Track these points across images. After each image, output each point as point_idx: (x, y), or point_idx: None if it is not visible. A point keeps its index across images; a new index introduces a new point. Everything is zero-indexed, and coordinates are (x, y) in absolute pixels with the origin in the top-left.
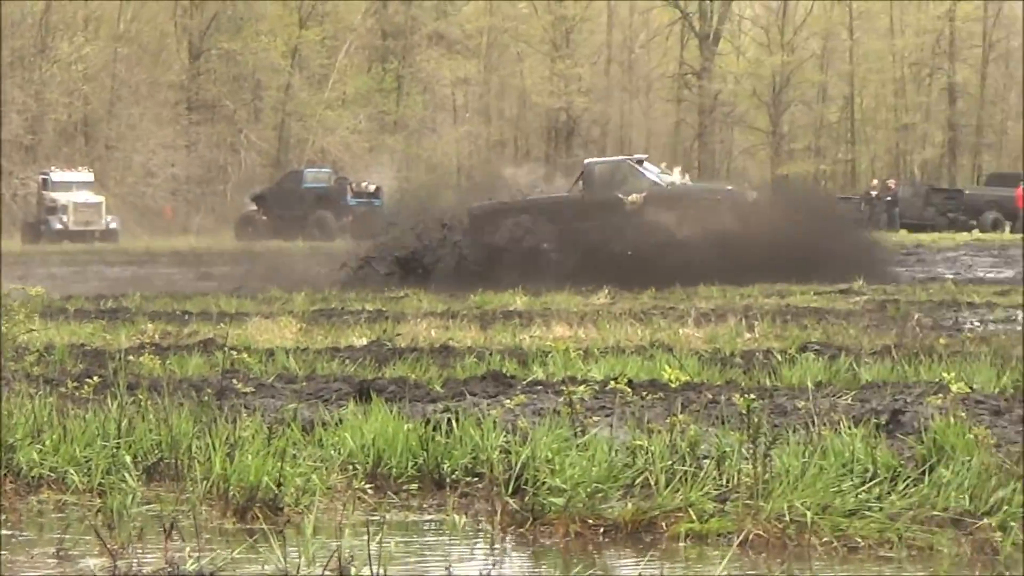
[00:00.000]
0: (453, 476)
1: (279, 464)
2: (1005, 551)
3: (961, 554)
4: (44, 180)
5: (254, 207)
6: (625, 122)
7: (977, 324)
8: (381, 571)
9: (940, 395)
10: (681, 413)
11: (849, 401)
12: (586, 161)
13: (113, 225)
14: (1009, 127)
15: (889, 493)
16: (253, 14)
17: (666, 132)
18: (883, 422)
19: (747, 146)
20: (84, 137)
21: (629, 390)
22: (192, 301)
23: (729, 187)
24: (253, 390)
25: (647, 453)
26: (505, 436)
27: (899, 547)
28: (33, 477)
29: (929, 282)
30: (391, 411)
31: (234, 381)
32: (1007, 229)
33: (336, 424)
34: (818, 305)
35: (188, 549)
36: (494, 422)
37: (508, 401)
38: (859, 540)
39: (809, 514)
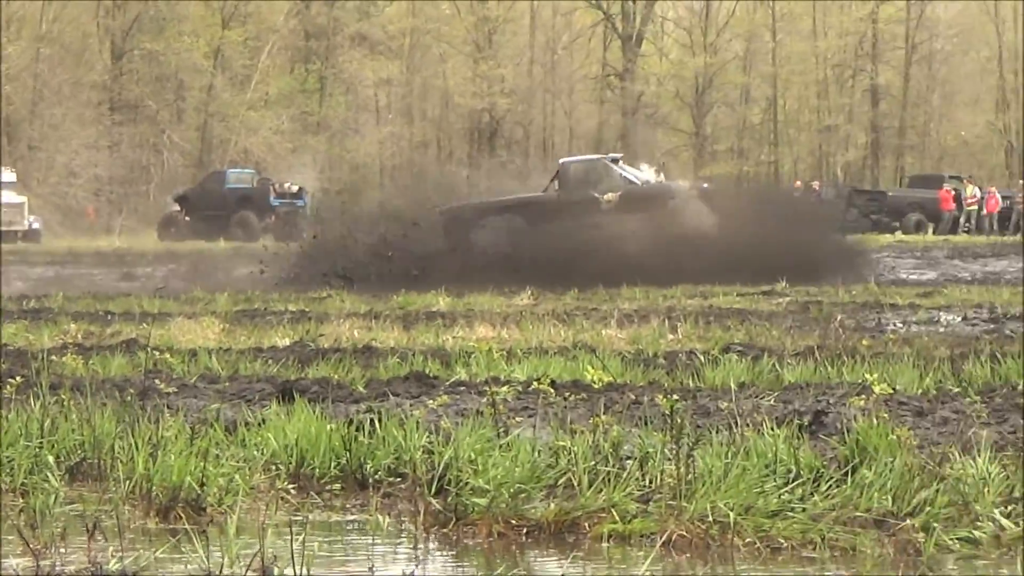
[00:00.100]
0: (376, 476)
1: (202, 464)
2: (928, 552)
3: (884, 555)
4: None
5: (177, 208)
6: (548, 123)
7: (900, 326)
8: (304, 571)
9: (863, 396)
10: (604, 414)
11: (772, 402)
12: (561, 161)
13: (36, 226)
14: (932, 129)
15: (812, 494)
16: (176, 15)
17: (589, 133)
18: (806, 423)
19: (670, 147)
20: (6, 137)
21: (552, 391)
22: (115, 301)
23: (705, 184)
24: (176, 390)
25: (570, 454)
26: (428, 436)
27: (822, 548)
28: None
29: (852, 284)
30: (314, 411)
31: (157, 381)
32: (930, 231)
33: (259, 424)
34: (741, 306)
35: (111, 549)
36: (417, 423)
37: (431, 401)
38: (782, 541)
39: (732, 515)
